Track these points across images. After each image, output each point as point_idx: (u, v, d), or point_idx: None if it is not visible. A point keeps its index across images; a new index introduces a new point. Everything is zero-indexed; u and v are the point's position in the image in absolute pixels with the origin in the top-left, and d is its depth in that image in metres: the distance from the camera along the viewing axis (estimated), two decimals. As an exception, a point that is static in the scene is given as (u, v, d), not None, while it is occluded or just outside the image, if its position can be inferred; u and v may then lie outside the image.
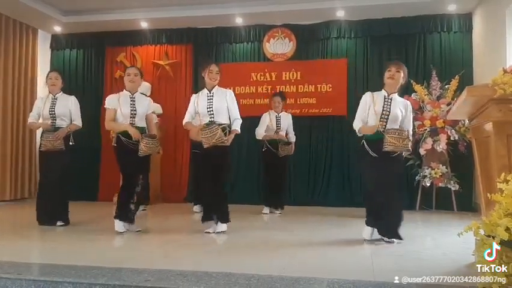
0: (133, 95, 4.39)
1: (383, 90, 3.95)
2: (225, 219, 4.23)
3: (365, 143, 3.87)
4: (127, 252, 3.56)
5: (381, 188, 3.72)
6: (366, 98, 3.96)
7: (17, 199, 7.01)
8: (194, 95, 4.42)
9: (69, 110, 4.77)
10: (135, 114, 4.32)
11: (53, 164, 4.61)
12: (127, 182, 4.31)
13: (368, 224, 3.88)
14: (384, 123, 3.82)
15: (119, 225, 4.21)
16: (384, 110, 3.85)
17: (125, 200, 4.28)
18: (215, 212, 4.24)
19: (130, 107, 4.31)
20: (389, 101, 3.86)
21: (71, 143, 4.69)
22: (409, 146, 3.83)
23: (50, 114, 4.70)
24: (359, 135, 3.94)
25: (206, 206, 4.37)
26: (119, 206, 4.27)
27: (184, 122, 4.39)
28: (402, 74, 3.87)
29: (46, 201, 4.64)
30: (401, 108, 3.88)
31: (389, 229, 3.75)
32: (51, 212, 4.62)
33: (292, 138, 5.96)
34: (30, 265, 2.88)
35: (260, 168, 7.02)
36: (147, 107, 4.47)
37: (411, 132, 3.99)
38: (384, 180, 3.72)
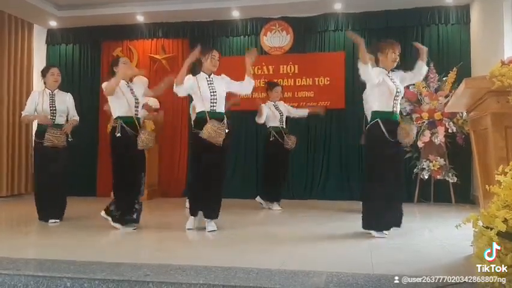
0: (128, 83, 4.22)
1: (381, 67, 3.74)
2: (216, 216, 4.05)
3: (380, 122, 3.56)
4: (126, 247, 3.55)
5: (394, 177, 3.56)
6: (381, 76, 3.63)
7: (14, 195, 6.99)
8: (192, 77, 4.09)
9: (67, 106, 4.73)
10: (138, 103, 4.19)
11: (54, 160, 4.52)
12: (131, 181, 4.08)
13: (380, 228, 3.59)
14: (397, 102, 3.69)
15: (124, 229, 4.06)
16: (398, 89, 3.67)
17: (130, 202, 4.08)
18: (209, 208, 4.02)
19: (133, 96, 4.15)
20: (393, 78, 3.72)
21: (69, 139, 4.65)
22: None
23: (50, 110, 4.60)
24: (363, 69, 3.52)
25: (203, 201, 4.07)
26: (124, 210, 4.05)
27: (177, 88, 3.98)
28: None
29: (49, 196, 4.55)
30: (401, 81, 3.79)
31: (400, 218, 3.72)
32: (54, 208, 4.56)
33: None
34: (28, 261, 2.86)
35: (258, 163, 7.03)
36: (143, 91, 4.30)
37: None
38: (396, 169, 3.61)
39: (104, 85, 4.14)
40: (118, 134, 4.01)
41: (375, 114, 3.69)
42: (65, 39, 7.87)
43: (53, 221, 4.49)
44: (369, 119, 3.83)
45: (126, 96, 4.10)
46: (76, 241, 3.71)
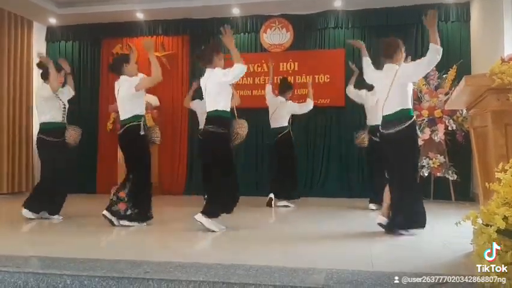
0: None
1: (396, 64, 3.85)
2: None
3: (415, 120, 3.68)
4: (125, 245, 3.56)
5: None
6: None
7: (14, 192, 7.00)
8: None
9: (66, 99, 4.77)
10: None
11: (65, 157, 4.60)
12: (149, 176, 4.13)
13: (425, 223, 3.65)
14: None
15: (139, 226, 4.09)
16: None
17: (150, 199, 4.13)
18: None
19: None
20: None
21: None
22: None
23: (63, 109, 4.64)
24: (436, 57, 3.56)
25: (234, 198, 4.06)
26: (144, 207, 4.06)
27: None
28: None
29: (56, 193, 4.57)
30: None
31: None
32: (58, 205, 4.59)
33: None
34: (28, 258, 2.86)
35: (258, 160, 7.03)
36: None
37: None
38: None
39: (150, 79, 4.08)
40: (143, 132, 4.02)
41: (411, 111, 3.68)
42: (64, 37, 7.87)
43: (59, 217, 4.56)
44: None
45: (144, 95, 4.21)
46: (76, 238, 3.72)
